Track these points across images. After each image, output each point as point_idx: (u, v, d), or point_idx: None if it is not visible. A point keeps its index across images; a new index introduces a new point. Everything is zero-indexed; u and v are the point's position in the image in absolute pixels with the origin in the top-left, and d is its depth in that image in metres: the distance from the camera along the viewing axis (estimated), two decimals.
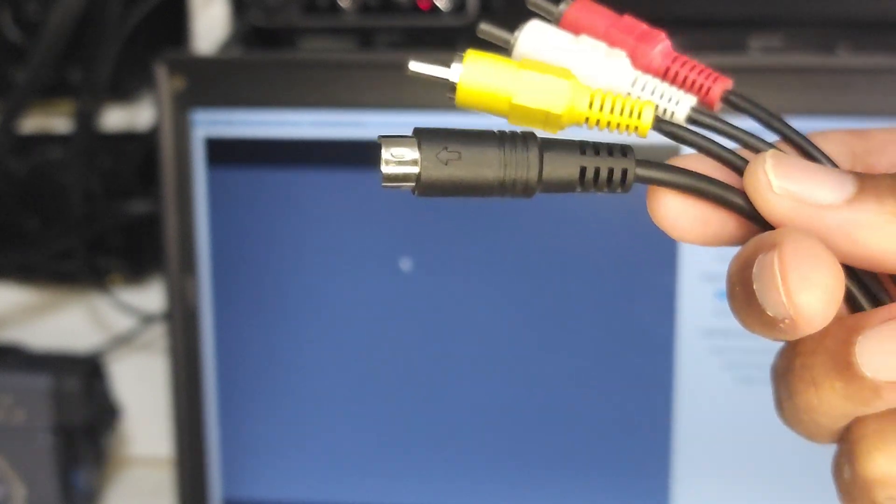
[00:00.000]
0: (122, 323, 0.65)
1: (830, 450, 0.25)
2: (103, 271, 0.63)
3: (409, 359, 0.53)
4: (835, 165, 0.24)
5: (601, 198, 0.50)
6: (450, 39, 0.54)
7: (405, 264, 0.52)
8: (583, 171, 0.22)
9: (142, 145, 0.60)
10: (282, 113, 0.51)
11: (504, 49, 0.24)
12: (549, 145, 0.22)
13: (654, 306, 0.51)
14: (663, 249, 0.50)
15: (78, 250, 0.60)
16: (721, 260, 0.50)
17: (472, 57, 0.22)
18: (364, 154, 0.51)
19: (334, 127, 0.51)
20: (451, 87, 0.22)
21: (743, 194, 0.23)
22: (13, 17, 0.57)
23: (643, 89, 0.24)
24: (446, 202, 0.51)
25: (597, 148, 0.22)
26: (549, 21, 0.25)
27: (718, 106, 0.25)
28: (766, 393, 0.25)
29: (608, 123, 0.23)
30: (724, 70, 0.25)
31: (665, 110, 0.24)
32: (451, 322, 0.52)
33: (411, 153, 0.21)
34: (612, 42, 0.24)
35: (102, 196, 0.60)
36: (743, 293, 0.22)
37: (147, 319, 0.64)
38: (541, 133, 0.23)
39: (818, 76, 0.47)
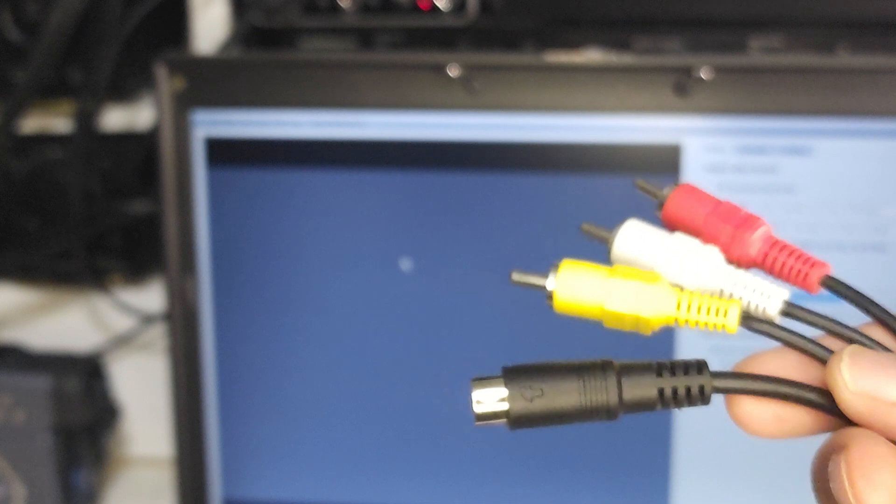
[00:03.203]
0: (122, 323, 0.65)
1: None
2: (103, 271, 0.63)
3: (409, 359, 0.53)
4: None
5: (600, 200, 0.50)
6: (450, 39, 0.54)
7: (405, 264, 0.52)
8: (661, 391, 0.23)
9: (142, 145, 0.60)
10: (282, 113, 0.51)
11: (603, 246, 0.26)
12: (626, 371, 0.24)
13: None
14: None
15: (78, 250, 0.60)
16: None
17: (566, 266, 0.25)
18: (364, 154, 0.51)
19: (334, 127, 0.51)
20: (548, 295, 0.25)
21: (819, 391, 0.24)
22: (13, 17, 0.57)
23: (735, 285, 0.25)
24: (446, 203, 0.51)
25: (673, 368, 0.24)
26: (656, 200, 0.26)
27: (817, 290, 0.25)
28: None
29: (696, 324, 0.24)
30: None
31: (757, 306, 0.25)
32: (451, 322, 0.52)
33: (500, 393, 0.24)
34: (711, 229, 0.25)
35: (102, 196, 0.60)
36: (823, 489, 0.23)
37: (147, 319, 0.64)
38: (625, 347, 0.24)
39: (818, 76, 0.47)
